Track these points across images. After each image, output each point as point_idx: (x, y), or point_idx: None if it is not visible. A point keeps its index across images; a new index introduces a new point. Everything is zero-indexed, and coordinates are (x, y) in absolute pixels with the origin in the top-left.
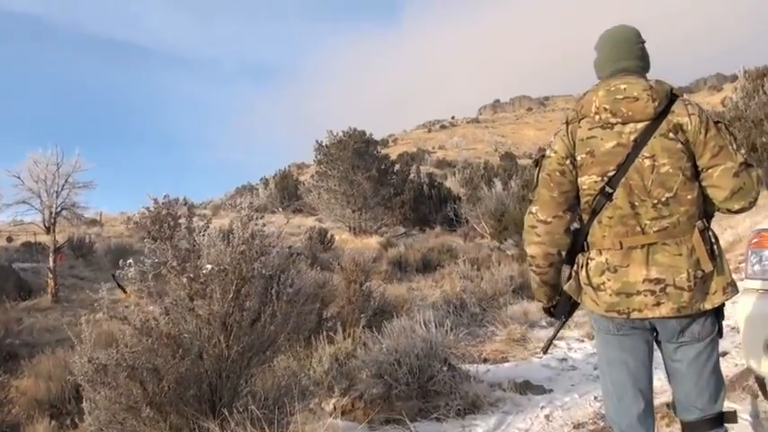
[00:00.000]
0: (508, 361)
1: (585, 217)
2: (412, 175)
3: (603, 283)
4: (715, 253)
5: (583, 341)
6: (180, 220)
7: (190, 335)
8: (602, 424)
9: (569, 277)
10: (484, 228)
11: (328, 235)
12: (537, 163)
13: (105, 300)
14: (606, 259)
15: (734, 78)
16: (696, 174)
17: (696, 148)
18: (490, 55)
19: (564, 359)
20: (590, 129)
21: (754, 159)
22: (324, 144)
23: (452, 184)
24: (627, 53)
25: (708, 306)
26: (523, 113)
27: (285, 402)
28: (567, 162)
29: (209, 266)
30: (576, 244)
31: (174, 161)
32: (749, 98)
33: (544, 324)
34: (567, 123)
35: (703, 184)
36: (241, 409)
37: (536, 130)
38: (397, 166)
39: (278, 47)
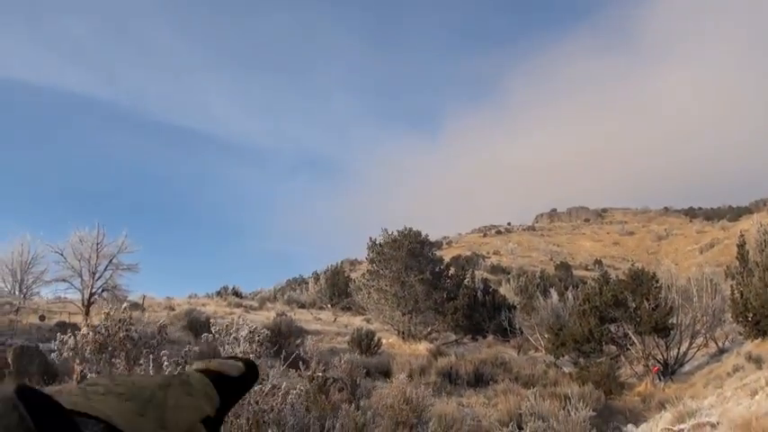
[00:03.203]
0: None
1: None
2: (466, 281)
3: None
4: None
5: None
6: None
7: None
8: None
9: None
10: (539, 339)
11: (375, 338)
12: None
13: None
14: None
15: None
16: None
17: None
18: (547, 164)
19: None
20: None
21: None
22: (377, 242)
23: (506, 291)
24: None
25: None
26: (580, 224)
27: None
28: None
29: None
30: None
31: (228, 249)
32: None
33: None
34: None
35: None
36: None
37: (593, 242)
38: (451, 270)
39: (337, 147)
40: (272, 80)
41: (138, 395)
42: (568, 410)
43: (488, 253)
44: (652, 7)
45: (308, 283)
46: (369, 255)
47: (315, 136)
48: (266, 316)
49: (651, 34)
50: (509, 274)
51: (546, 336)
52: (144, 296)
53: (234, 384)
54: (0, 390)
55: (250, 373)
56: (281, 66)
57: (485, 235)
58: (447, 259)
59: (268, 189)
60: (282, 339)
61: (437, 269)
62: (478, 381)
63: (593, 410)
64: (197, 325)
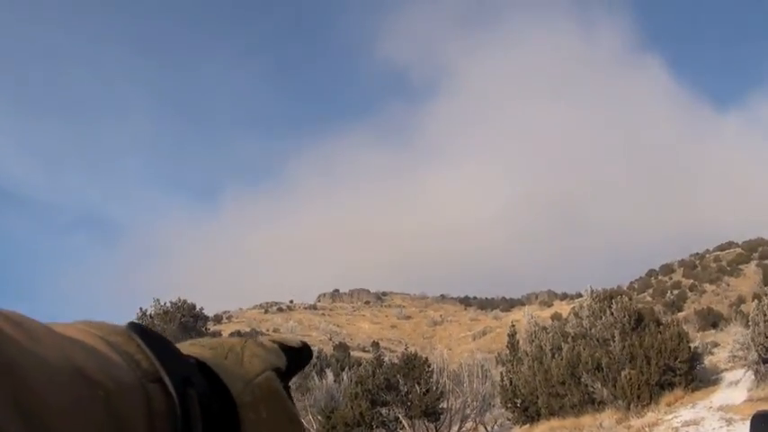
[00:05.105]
0: None
1: None
2: None
3: None
4: None
5: None
6: None
7: None
8: None
9: None
10: (311, 422)
11: None
12: None
13: None
14: None
15: (563, 296)
16: None
17: None
18: (329, 246)
19: None
20: None
21: (599, 377)
22: (148, 314)
23: None
24: None
25: None
26: (361, 306)
27: None
28: None
29: None
30: None
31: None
32: (595, 318)
33: None
34: None
35: None
36: None
37: (371, 324)
38: None
39: (120, 208)
40: (56, 129)
41: (220, 346)
42: None
43: (268, 330)
44: (432, 109)
45: None
46: None
47: (98, 194)
48: None
49: (430, 132)
50: None
51: (319, 418)
52: None
53: (295, 354)
54: None
55: (306, 350)
56: (68, 115)
57: (266, 311)
58: (225, 334)
59: (46, 248)
60: None
61: None
62: None
63: None
64: None
